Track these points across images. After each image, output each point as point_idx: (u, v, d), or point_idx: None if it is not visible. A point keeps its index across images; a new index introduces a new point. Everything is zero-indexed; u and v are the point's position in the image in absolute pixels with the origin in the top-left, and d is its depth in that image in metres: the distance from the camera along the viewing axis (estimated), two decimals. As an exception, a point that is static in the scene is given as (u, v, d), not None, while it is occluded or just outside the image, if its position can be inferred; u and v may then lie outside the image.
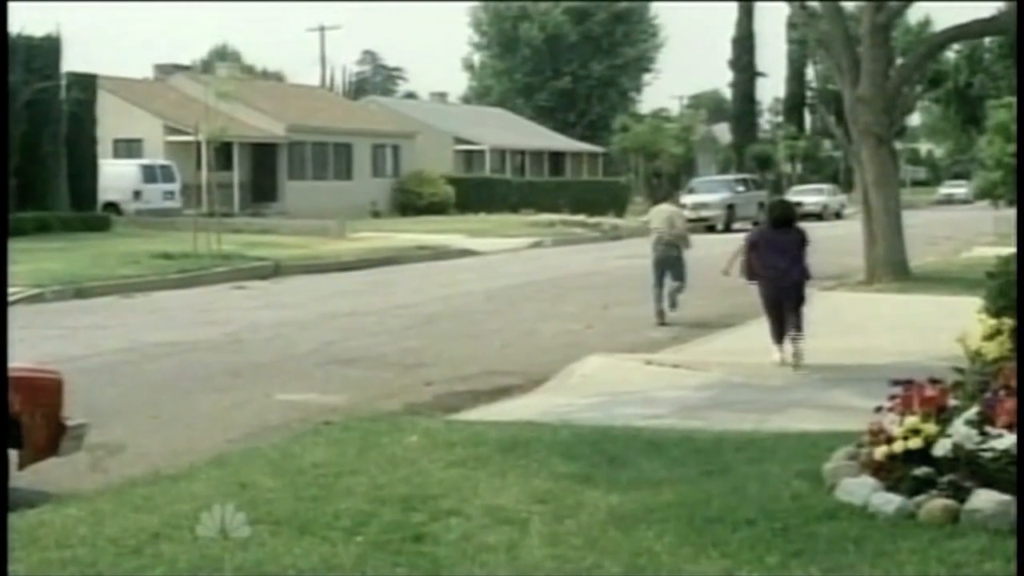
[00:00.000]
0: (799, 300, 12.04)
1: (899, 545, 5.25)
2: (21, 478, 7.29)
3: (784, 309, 11.93)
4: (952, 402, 6.32)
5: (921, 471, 5.87)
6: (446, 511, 5.98)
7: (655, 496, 6.22)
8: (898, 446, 6.02)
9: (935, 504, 5.65)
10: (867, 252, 20.47)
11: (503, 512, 5.94)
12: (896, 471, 5.96)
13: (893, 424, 6.17)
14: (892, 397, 6.38)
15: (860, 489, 5.95)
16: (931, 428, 6.03)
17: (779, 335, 11.91)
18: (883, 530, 5.48)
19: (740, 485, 6.35)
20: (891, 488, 5.89)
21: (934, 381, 6.42)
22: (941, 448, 5.93)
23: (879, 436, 6.19)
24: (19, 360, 8.25)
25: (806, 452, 6.98)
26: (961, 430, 5.92)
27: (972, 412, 6.04)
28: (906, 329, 14.49)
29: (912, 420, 6.08)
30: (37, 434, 7.34)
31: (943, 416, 6.13)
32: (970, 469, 5.80)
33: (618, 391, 10.72)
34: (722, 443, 7.51)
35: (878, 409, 6.42)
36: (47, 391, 7.55)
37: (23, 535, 5.68)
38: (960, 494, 5.67)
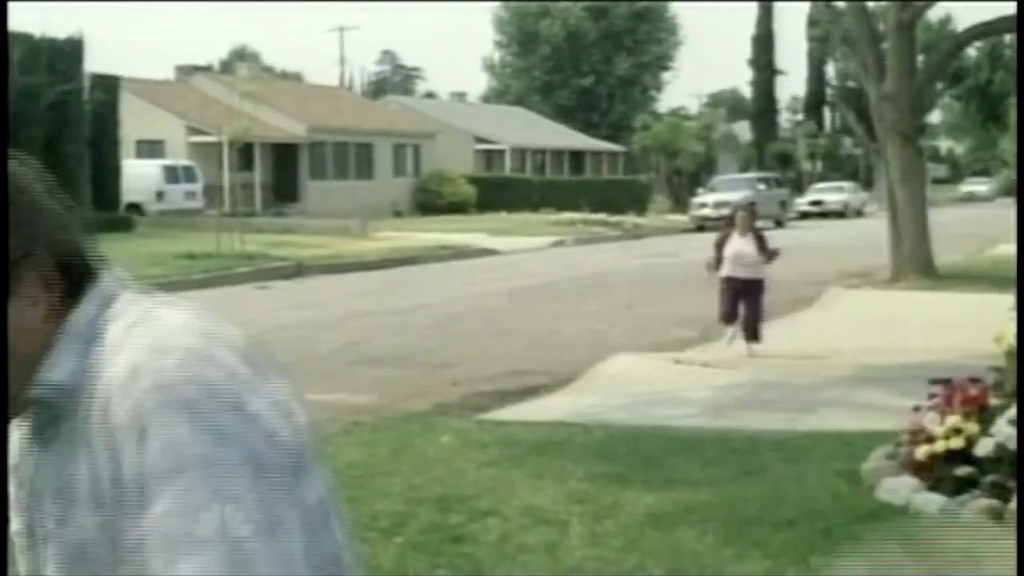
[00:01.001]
0: (758, 296, 12.97)
1: (944, 545, 5.20)
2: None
3: (744, 304, 12.98)
4: (993, 401, 6.25)
5: (963, 471, 5.82)
6: (483, 512, 5.94)
7: (693, 496, 6.18)
8: (939, 446, 5.96)
9: (979, 504, 5.60)
10: (893, 250, 20.37)
11: (541, 513, 5.90)
12: (938, 471, 5.91)
13: (933, 424, 6.11)
14: (931, 396, 6.32)
15: (901, 489, 5.90)
16: (973, 427, 5.97)
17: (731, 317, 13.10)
18: (927, 530, 5.43)
19: (778, 485, 6.30)
20: (933, 488, 5.84)
21: (974, 380, 6.35)
22: (983, 448, 5.87)
23: (919, 436, 6.14)
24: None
25: (843, 452, 6.92)
26: (1004, 430, 5.87)
27: (1014, 411, 5.98)
28: (935, 327, 14.41)
29: (953, 419, 6.03)
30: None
31: (984, 415, 6.07)
32: (1013, 469, 5.74)
33: (646, 391, 10.66)
34: (757, 443, 7.46)
35: (916, 408, 6.36)
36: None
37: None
38: (1004, 494, 5.62)
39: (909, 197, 20.06)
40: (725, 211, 41.41)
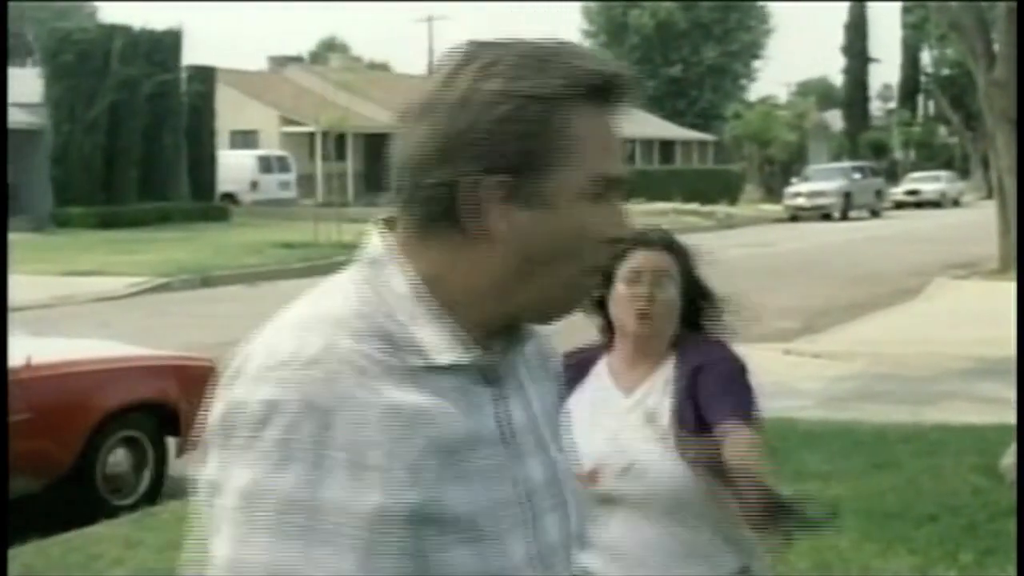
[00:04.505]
0: None
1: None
2: (177, 466, 7.34)
3: None
4: None
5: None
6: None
7: (824, 490, 6.05)
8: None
9: None
10: (1001, 240, 19.94)
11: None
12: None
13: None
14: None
15: (1044, 484, 5.73)
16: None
17: None
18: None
19: (913, 479, 6.16)
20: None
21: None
22: None
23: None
24: (153, 348, 8.33)
25: (976, 446, 6.76)
26: None
27: None
28: (1049, 319, 14.04)
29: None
30: (194, 421, 7.37)
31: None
32: None
33: (761, 381, 10.49)
34: (885, 435, 7.31)
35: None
36: (203, 378, 7.58)
37: (162, 524, 5.70)
38: None
39: (1019, 186, 19.60)
40: (820, 200, 41.20)
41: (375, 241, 1.40)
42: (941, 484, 6.01)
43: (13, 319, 14.86)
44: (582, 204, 1.37)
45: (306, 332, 1.30)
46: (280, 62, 51.11)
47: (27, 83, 33.78)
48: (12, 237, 28.12)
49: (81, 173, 31.89)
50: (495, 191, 1.31)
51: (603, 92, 1.38)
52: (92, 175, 31.86)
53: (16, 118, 33.23)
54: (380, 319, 1.33)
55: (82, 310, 16.59)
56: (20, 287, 18.74)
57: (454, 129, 1.32)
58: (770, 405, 8.84)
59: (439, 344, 1.34)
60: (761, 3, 77.05)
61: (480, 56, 1.34)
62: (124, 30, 33.38)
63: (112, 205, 31.53)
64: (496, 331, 1.40)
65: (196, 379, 7.56)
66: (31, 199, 32.57)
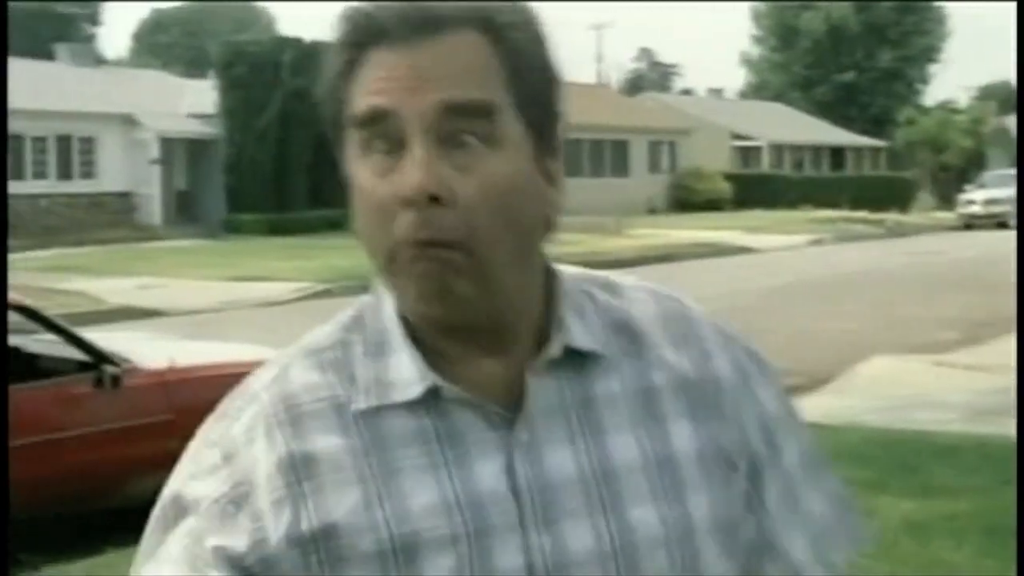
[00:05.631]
0: None
1: None
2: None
3: None
4: None
5: None
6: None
7: (951, 504, 5.95)
8: None
9: None
10: None
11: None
12: None
13: None
14: None
15: None
16: None
17: None
18: None
19: (1045, 496, 5.99)
20: None
21: None
22: None
23: None
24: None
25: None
26: None
27: None
28: None
29: None
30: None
31: None
32: None
33: (904, 393, 10.33)
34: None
35: None
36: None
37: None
38: None
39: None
40: (995, 208, 39.84)
41: None
42: (1073, 502, 5.84)
43: (179, 322, 15.47)
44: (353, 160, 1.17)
45: (273, 361, 1.24)
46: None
47: (203, 95, 34.99)
48: (186, 243, 29.25)
49: (252, 181, 32.90)
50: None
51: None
52: (263, 183, 32.83)
53: (192, 128, 34.46)
54: (355, 348, 1.20)
55: (247, 314, 17.12)
56: (190, 291, 19.48)
57: None
58: (912, 416, 8.72)
59: (403, 378, 1.17)
60: (939, 4, 75.11)
61: None
62: (295, 42, 34.33)
63: (282, 212, 32.42)
64: (490, 347, 1.17)
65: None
66: (205, 206, 33.74)
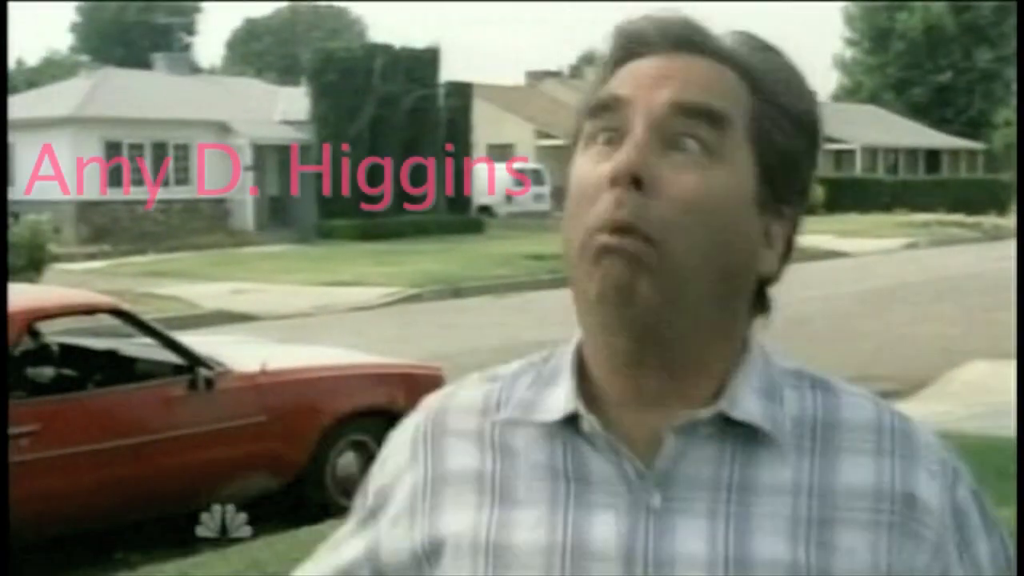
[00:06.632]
0: None
1: None
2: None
3: None
4: None
5: None
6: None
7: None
8: None
9: None
10: None
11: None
12: None
13: None
14: None
15: None
16: None
17: None
18: None
19: None
20: None
21: None
22: None
23: None
24: (402, 357, 8.65)
25: None
26: None
27: None
28: None
29: None
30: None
31: None
32: None
33: (1002, 400, 10.11)
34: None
35: None
36: (429, 387, 7.82)
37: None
38: None
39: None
40: (1095, 211, 39.03)
41: None
42: None
43: (272, 326, 15.65)
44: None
45: (466, 377, 1.28)
46: (537, 76, 51.90)
47: (295, 102, 35.40)
48: (278, 248, 29.60)
49: (343, 187, 33.21)
50: None
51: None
52: (354, 188, 33.12)
53: (286, 135, 34.87)
54: (526, 378, 1.21)
55: (338, 319, 17.26)
56: (284, 296, 19.70)
57: None
58: (1010, 424, 8.51)
59: (552, 403, 1.15)
60: (1038, 4, 73.56)
61: None
62: (385, 49, 34.60)
63: (373, 217, 32.68)
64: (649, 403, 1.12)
65: (423, 387, 7.77)
66: (298, 212, 34.11)
